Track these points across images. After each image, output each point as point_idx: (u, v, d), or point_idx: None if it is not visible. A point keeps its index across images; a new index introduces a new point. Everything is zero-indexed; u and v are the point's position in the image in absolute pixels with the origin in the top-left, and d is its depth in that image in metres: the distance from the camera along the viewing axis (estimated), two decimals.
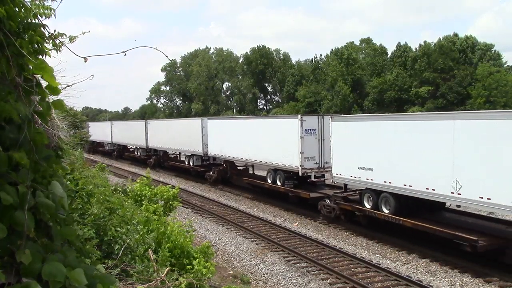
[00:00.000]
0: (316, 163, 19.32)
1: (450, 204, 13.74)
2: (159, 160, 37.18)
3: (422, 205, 14.24)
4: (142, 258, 6.84)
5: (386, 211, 14.89)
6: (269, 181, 21.79)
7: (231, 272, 12.43)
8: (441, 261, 12.94)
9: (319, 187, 20.14)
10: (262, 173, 24.13)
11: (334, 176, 17.51)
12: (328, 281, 11.72)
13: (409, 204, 14.39)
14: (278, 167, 20.87)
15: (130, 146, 44.39)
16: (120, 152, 46.52)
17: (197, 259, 7.58)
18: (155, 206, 10.10)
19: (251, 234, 16.43)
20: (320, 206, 17.94)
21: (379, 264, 12.78)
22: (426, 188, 13.13)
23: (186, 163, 31.76)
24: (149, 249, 7.24)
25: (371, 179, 15.29)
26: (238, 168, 27.20)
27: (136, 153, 41.66)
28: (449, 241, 12.81)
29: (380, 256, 13.79)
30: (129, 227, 7.52)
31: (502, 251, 11.79)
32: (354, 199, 16.86)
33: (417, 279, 11.64)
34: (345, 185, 17.48)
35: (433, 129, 12.98)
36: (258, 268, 12.93)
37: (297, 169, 19.38)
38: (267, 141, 21.41)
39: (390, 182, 14.50)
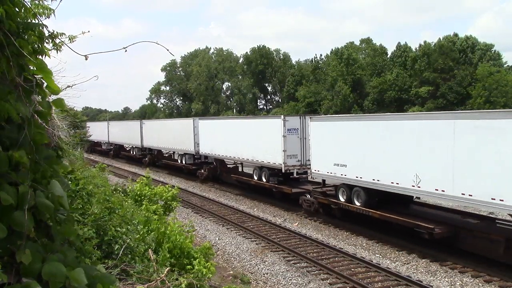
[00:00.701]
0: (298, 160, 20.45)
1: (419, 198, 15.40)
2: (154, 159, 38.20)
3: (392, 199, 15.42)
4: (142, 258, 6.84)
5: (358, 203, 16.17)
6: (255, 178, 22.97)
7: (231, 272, 12.43)
8: (441, 261, 12.94)
9: (302, 183, 21.28)
10: (251, 170, 24.84)
11: (312, 172, 18.83)
12: (328, 281, 11.72)
13: (379, 197, 15.63)
14: (263, 164, 21.98)
15: (126, 146, 45.56)
16: (117, 151, 47.49)
17: (197, 259, 7.58)
18: (155, 206, 10.09)
19: (251, 234, 16.43)
20: (301, 201, 19.19)
21: (379, 264, 12.78)
22: (392, 182, 14.41)
23: (179, 161, 32.58)
24: (149, 249, 7.24)
25: (345, 175, 16.54)
26: (228, 166, 28.28)
27: (131, 152, 42.83)
28: (411, 230, 14.00)
29: (380, 256, 13.79)
30: (129, 227, 7.52)
31: (456, 238, 13.30)
32: (331, 194, 17.94)
33: (417, 279, 11.65)
34: (323, 180, 18.59)
35: (397, 129, 14.39)
36: (258, 268, 12.93)
37: (280, 166, 20.54)
38: (253, 140, 22.57)
39: (361, 177, 15.73)
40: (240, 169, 27.28)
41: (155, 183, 14.02)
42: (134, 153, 41.87)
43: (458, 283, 11.46)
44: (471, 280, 11.56)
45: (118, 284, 5.41)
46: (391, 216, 14.63)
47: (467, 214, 14.92)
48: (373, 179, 15.14)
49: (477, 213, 15.52)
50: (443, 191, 12.62)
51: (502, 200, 11.04)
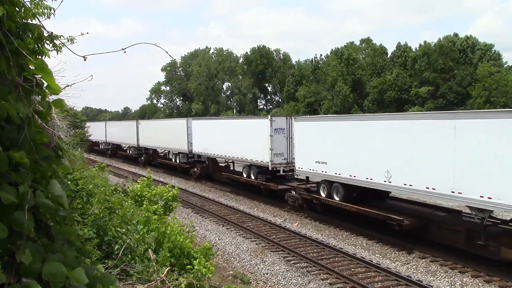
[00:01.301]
0: (285, 158, 21.44)
1: (392, 193, 16.70)
2: (149, 158, 39.04)
3: (369, 194, 16.36)
4: (142, 258, 6.84)
5: (337, 198, 17.27)
6: (245, 175, 24.15)
7: (231, 272, 12.43)
8: (441, 261, 12.94)
9: (288, 180, 22.15)
10: (241, 169, 25.67)
11: (296, 170, 19.87)
12: (328, 281, 11.72)
13: (357, 193, 16.65)
14: (252, 162, 23.01)
15: (123, 145, 46.47)
16: (114, 150, 48.43)
17: (197, 259, 7.58)
18: (155, 206, 10.09)
19: (251, 234, 16.43)
20: (287, 197, 20.23)
21: (379, 264, 12.78)
22: (367, 178, 15.42)
23: (173, 160, 33.45)
24: (149, 249, 7.24)
25: (325, 172, 17.58)
26: (220, 164, 29.26)
27: (128, 152, 43.87)
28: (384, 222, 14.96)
29: (380, 256, 13.79)
30: (129, 227, 7.52)
31: (425, 230, 14.24)
32: (314, 190, 19.02)
33: (417, 279, 11.64)
34: (307, 177, 19.78)
35: (370, 128, 15.47)
36: (258, 268, 12.93)
37: (267, 164, 21.55)
38: (242, 139, 23.58)
39: (339, 174, 16.78)
40: (231, 168, 28.06)
41: (153, 183, 14.13)
42: (131, 152, 42.73)
43: (458, 283, 11.46)
44: (471, 280, 11.56)
45: (118, 284, 5.41)
46: (366, 209, 15.62)
47: (437, 208, 15.77)
48: (350, 175, 16.17)
49: (446, 207, 16.29)
50: (411, 185, 13.68)
51: (460, 193, 12.05)
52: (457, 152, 12.08)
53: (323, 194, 18.06)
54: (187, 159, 31.54)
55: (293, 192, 20.02)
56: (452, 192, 12.24)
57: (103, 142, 50.26)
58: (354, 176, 15.91)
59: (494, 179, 11.14)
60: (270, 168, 21.50)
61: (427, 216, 14.63)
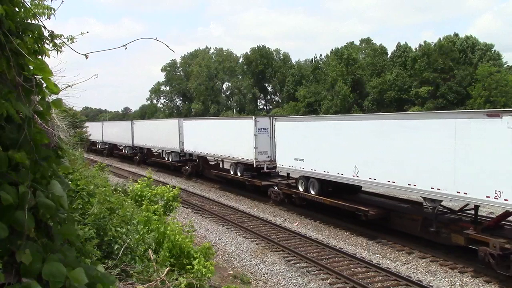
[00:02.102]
0: (268, 156, 22.65)
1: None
2: (144, 157, 40.58)
3: (344, 188, 17.84)
4: (142, 258, 6.84)
5: (313, 192, 18.66)
6: (232, 172, 25.56)
7: (231, 272, 12.42)
8: (441, 261, 12.94)
9: (273, 176, 23.38)
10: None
11: (278, 167, 21.35)
12: (328, 281, 11.72)
13: (332, 187, 18.07)
14: (238, 160, 24.44)
15: (119, 145, 47.55)
16: (110, 150, 49.92)
17: (197, 259, 7.57)
18: (155, 206, 10.09)
19: (251, 234, 16.43)
20: (269, 192, 21.58)
21: (379, 264, 12.77)
22: (338, 173, 16.79)
23: (166, 159, 34.83)
24: (149, 249, 7.24)
25: (303, 168, 18.95)
26: (210, 163, 30.52)
27: (124, 151, 45.39)
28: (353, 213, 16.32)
29: (380, 256, 13.79)
30: (129, 227, 7.52)
31: (388, 219, 15.68)
32: (293, 185, 20.44)
33: (417, 279, 11.64)
34: (288, 173, 21.38)
35: (341, 128, 16.95)
36: (258, 268, 12.93)
37: (252, 162, 22.80)
38: (229, 138, 24.96)
39: (315, 170, 18.14)
40: (221, 166, 29.27)
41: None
42: (126, 152, 44.25)
43: (458, 283, 11.46)
44: (471, 280, 11.55)
45: (118, 284, 5.41)
46: (337, 202, 17.10)
47: (402, 200, 17.30)
48: (324, 171, 17.60)
49: (410, 199, 17.55)
50: (375, 179, 15.12)
51: (415, 185, 13.45)
52: (412, 148, 13.45)
53: (301, 189, 19.44)
54: (179, 158, 32.92)
55: (276, 188, 21.27)
56: (408, 184, 13.67)
57: (100, 142, 51.63)
58: (328, 172, 17.39)
59: (441, 172, 12.51)
60: (254, 166, 22.74)
61: (390, 207, 16.28)
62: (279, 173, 22.65)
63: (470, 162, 11.77)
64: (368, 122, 15.90)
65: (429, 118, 13.66)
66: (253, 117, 23.34)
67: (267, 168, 22.86)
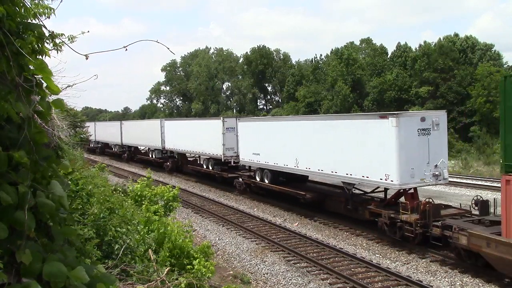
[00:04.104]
0: (235, 152, 25.62)
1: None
2: (131, 154, 44.18)
3: (295, 178, 20.90)
4: (142, 258, 6.84)
5: (266, 181, 22.06)
6: (205, 167, 29.10)
7: (231, 272, 12.42)
8: (441, 261, 12.94)
9: (240, 170, 26.13)
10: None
11: (240, 160, 24.44)
12: (328, 281, 11.71)
13: (283, 177, 21.32)
14: (210, 156, 27.70)
15: (110, 144, 50.88)
16: (102, 149, 53.98)
17: (197, 259, 7.57)
18: (155, 206, 10.09)
19: (251, 234, 16.43)
20: (235, 183, 24.99)
21: (379, 264, 12.77)
22: (284, 164, 20.01)
23: (150, 156, 38.58)
24: (149, 249, 7.24)
25: (259, 161, 22.18)
26: (189, 159, 33.96)
27: (114, 149, 49.21)
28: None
29: (380, 256, 13.78)
30: (129, 227, 7.52)
31: (323, 202, 18.88)
32: (253, 176, 23.65)
33: (417, 279, 11.64)
34: (249, 166, 24.55)
35: (285, 126, 20.49)
36: (258, 268, 12.93)
37: (221, 157, 26.16)
38: (202, 137, 28.11)
39: (267, 162, 21.46)
40: (199, 161, 32.31)
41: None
42: (116, 150, 47.97)
43: (458, 283, 11.45)
44: (471, 280, 11.55)
45: (118, 284, 5.41)
46: (282, 188, 20.63)
47: (338, 187, 19.51)
48: (275, 163, 20.86)
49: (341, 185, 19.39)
50: (309, 168, 18.36)
51: (336, 172, 16.77)
52: (333, 143, 16.81)
53: (258, 179, 22.78)
54: (161, 155, 36.23)
55: (240, 179, 24.65)
56: (332, 172, 17.02)
57: (93, 141, 54.29)
58: (277, 164, 20.69)
59: (351, 161, 15.85)
60: (222, 160, 26.16)
61: (325, 192, 19.69)
62: (242, 165, 25.42)
63: (369, 153, 15.01)
64: (303, 122, 19.84)
65: (344, 119, 18.46)
66: (221, 117, 27.26)
67: (234, 162, 25.75)
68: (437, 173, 14.42)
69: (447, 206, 15.18)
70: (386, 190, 16.23)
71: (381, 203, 16.06)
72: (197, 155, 31.81)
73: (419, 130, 14.18)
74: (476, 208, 13.66)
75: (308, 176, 21.16)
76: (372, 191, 17.14)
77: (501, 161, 11.35)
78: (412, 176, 14.11)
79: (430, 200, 14.10)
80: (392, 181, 14.16)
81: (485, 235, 11.24)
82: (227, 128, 25.90)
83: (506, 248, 10.48)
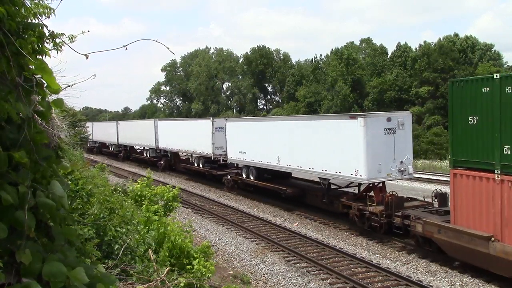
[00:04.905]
0: (224, 151, 26.64)
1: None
2: (127, 153, 45.67)
3: (279, 175, 22.26)
4: (142, 258, 6.84)
5: (252, 178, 23.30)
6: (196, 165, 30.39)
7: (231, 272, 12.42)
8: (441, 261, 12.93)
9: (229, 168, 27.17)
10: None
11: (228, 159, 25.56)
12: (328, 281, 11.71)
13: (268, 174, 22.54)
14: (200, 154, 29.04)
15: (107, 143, 52.10)
16: (99, 148, 55.46)
17: (197, 259, 7.57)
18: (155, 206, 10.08)
19: (251, 234, 16.43)
20: (224, 180, 26.13)
21: (379, 264, 12.77)
22: (267, 162, 21.24)
23: (145, 155, 39.97)
24: (149, 249, 7.24)
25: (245, 159, 23.38)
26: (182, 157, 34.87)
27: (110, 149, 50.71)
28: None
29: (380, 256, 13.78)
30: (129, 227, 7.52)
31: (304, 197, 20.12)
32: (240, 173, 24.76)
33: (417, 279, 11.64)
34: (237, 164, 25.69)
35: (268, 126, 22.04)
36: (258, 268, 12.93)
37: (210, 155, 27.43)
38: (193, 136, 29.35)
39: (252, 160, 22.63)
40: (191, 160, 32.99)
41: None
42: (112, 149, 49.34)
43: (458, 283, 11.45)
44: (471, 280, 11.55)
45: (118, 284, 5.41)
46: (266, 184, 21.89)
47: (317, 183, 20.05)
48: (259, 161, 21.97)
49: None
50: (290, 165, 19.65)
51: (313, 169, 17.93)
52: (310, 141, 17.91)
53: (244, 176, 24.04)
54: (155, 154, 37.58)
55: (229, 176, 25.71)
56: (309, 168, 18.17)
57: (91, 141, 55.38)
58: (261, 161, 21.83)
59: (326, 158, 17.04)
60: (212, 158, 27.45)
61: (305, 187, 20.69)
62: (233, 165, 26.42)
63: (341, 151, 16.21)
64: (284, 123, 21.12)
65: (319, 119, 20.23)
66: (211, 118, 28.66)
67: (223, 160, 26.93)
68: (402, 168, 15.70)
69: (412, 199, 16.41)
70: (359, 184, 17.25)
71: (354, 196, 17.18)
72: (189, 154, 32.91)
73: (385, 130, 15.41)
74: (436, 200, 14.70)
75: (291, 173, 22.42)
76: (347, 186, 18.33)
77: (449, 157, 12.49)
78: (379, 171, 15.34)
79: (394, 193, 15.18)
80: (361, 176, 15.38)
81: (437, 222, 12.48)
82: (216, 128, 27.19)
83: (453, 234, 11.74)
